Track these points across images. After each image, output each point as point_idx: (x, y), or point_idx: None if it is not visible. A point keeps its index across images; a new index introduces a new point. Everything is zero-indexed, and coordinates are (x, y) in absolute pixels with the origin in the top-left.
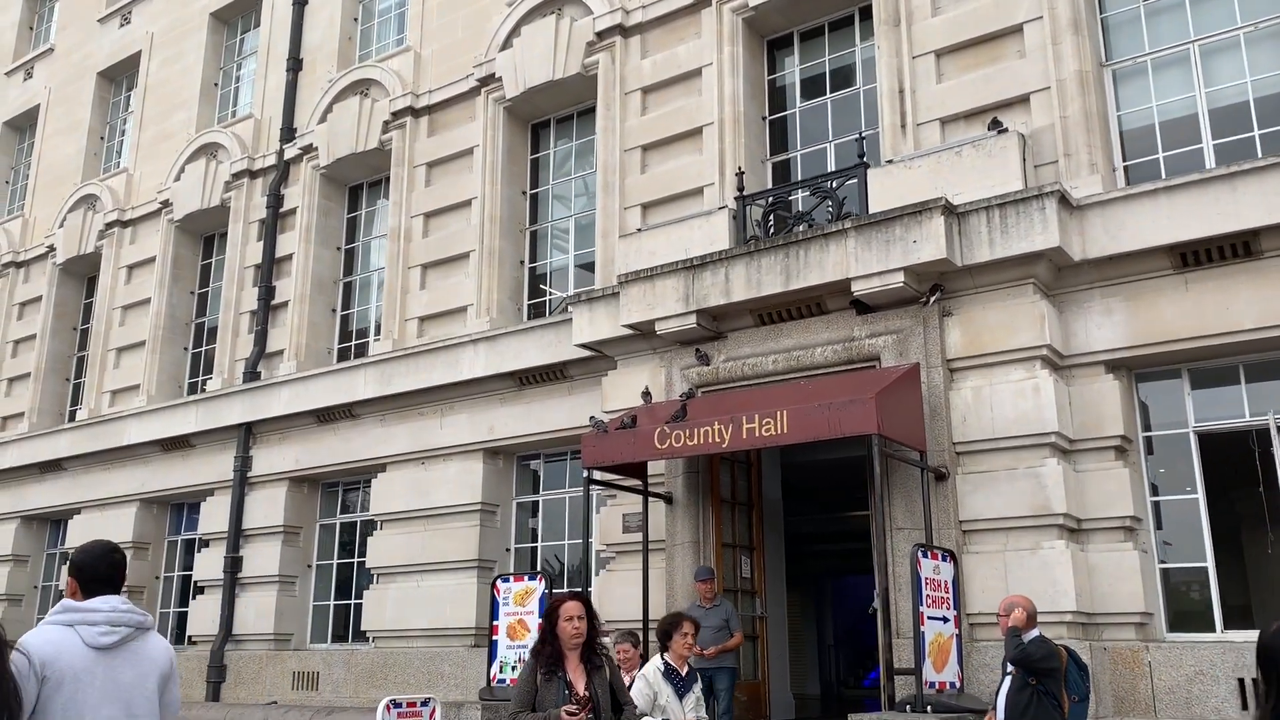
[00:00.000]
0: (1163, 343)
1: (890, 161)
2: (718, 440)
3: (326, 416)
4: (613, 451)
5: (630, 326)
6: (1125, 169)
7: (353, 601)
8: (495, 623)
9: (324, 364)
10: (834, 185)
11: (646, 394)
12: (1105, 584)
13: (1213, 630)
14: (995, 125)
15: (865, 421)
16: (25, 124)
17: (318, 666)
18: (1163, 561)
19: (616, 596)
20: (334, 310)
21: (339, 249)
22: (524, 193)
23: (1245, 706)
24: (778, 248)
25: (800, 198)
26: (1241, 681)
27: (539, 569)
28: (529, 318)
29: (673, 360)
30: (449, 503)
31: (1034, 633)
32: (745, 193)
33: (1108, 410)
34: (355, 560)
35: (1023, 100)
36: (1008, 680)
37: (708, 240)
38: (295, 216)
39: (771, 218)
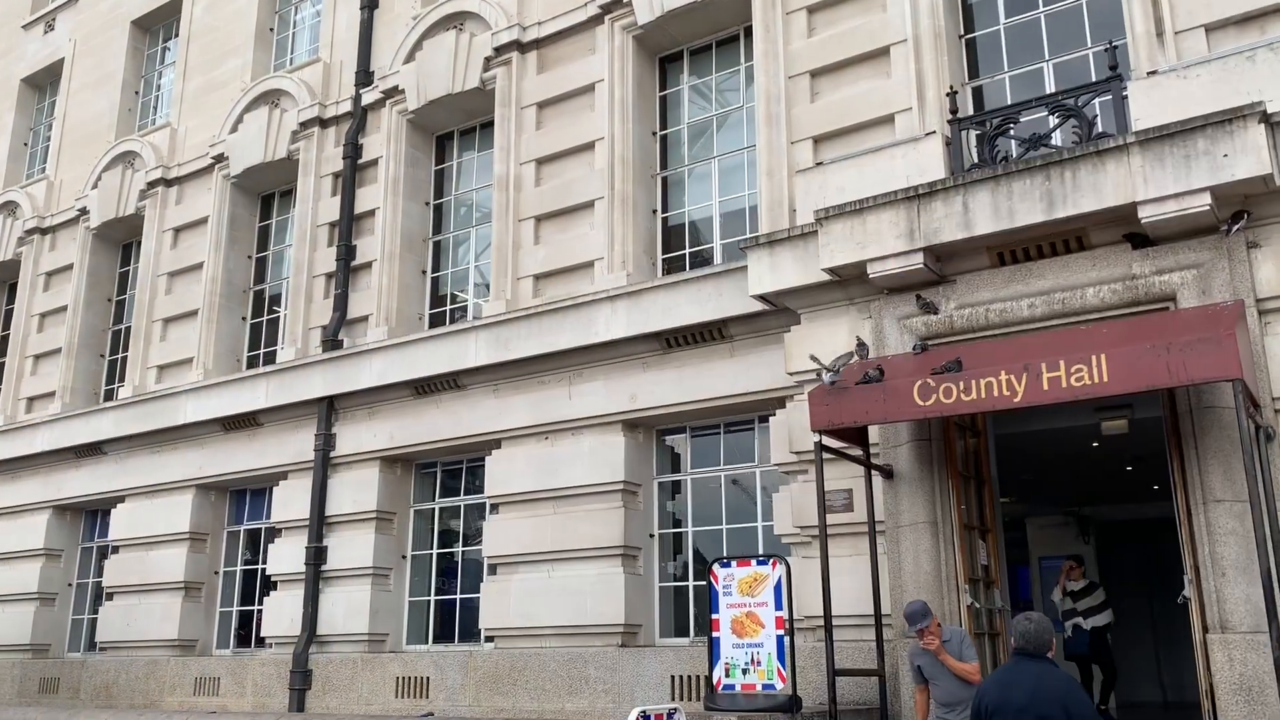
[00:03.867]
0: None
1: (1155, 72)
2: (1007, 393)
3: (426, 388)
4: (853, 410)
5: (831, 271)
6: None
7: (458, 596)
8: (715, 616)
9: (416, 329)
10: (1079, 102)
11: (862, 346)
12: None
13: None
14: None
15: (1222, 364)
16: (46, 80)
17: (427, 671)
18: None
19: (819, 589)
20: (424, 272)
21: (427, 204)
22: (654, 134)
23: None
24: (1034, 169)
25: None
26: None
27: (767, 554)
28: (664, 273)
29: (882, 310)
30: (584, 482)
31: None
32: (961, 115)
33: None
34: (460, 549)
35: None
36: None
37: (916, 171)
38: (378, 168)
39: (999, 144)
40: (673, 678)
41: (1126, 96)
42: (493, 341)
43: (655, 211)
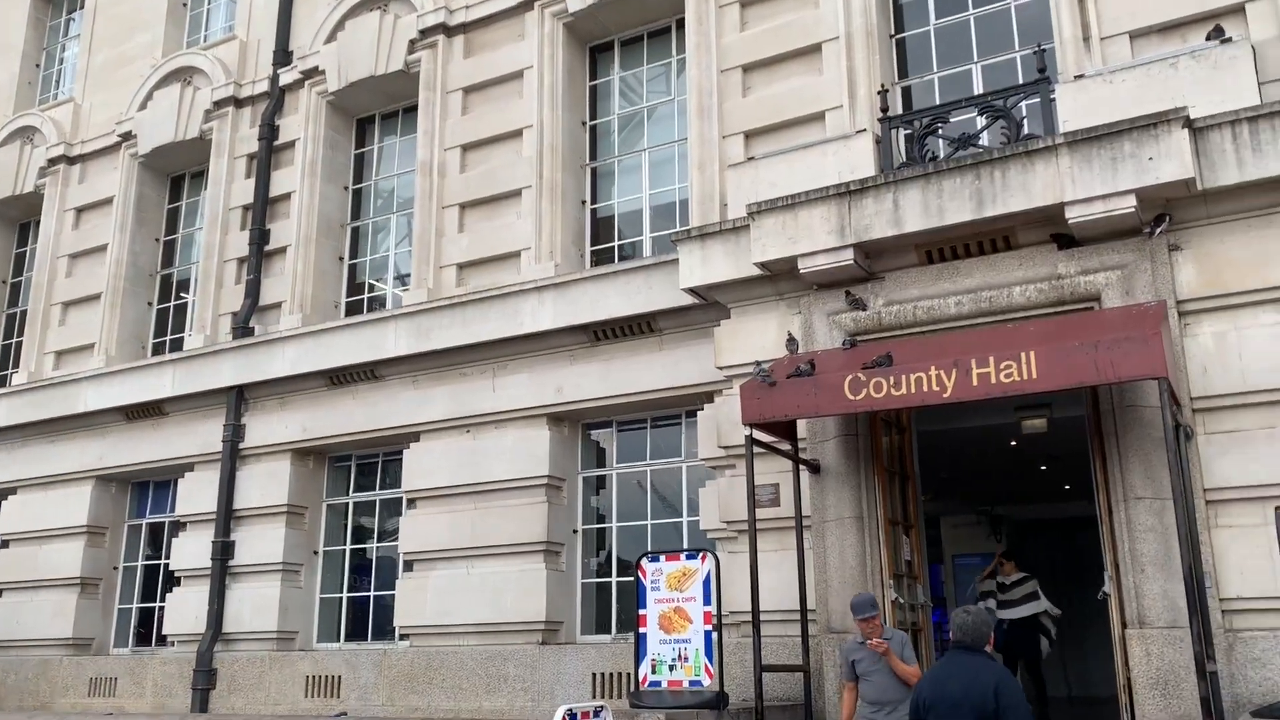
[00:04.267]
0: None
1: (1082, 76)
2: (936, 389)
3: (341, 378)
4: (784, 404)
5: (762, 265)
6: None
7: (372, 593)
8: (642, 611)
9: (332, 317)
10: (1008, 104)
11: (792, 342)
12: None
13: None
14: (1217, 34)
15: (1148, 363)
16: None
17: (339, 669)
18: None
19: (744, 584)
20: (341, 258)
21: (346, 188)
22: (584, 123)
23: None
24: (965, 168)
25: (958, 123)
26: None
27: (697, 548)
28: (592, 265)
29: (812, 306)
30: (507, 476)
31: None
32: (891, 113)
33: None
34: (374, 545)
35: (1236, 10)
36: None
37: (847, 168)
38: (295, 150)
39: (928, 143)
40: (594, 675)
41: (1054, 99)
42: (413, 331)
43: (584, 202)
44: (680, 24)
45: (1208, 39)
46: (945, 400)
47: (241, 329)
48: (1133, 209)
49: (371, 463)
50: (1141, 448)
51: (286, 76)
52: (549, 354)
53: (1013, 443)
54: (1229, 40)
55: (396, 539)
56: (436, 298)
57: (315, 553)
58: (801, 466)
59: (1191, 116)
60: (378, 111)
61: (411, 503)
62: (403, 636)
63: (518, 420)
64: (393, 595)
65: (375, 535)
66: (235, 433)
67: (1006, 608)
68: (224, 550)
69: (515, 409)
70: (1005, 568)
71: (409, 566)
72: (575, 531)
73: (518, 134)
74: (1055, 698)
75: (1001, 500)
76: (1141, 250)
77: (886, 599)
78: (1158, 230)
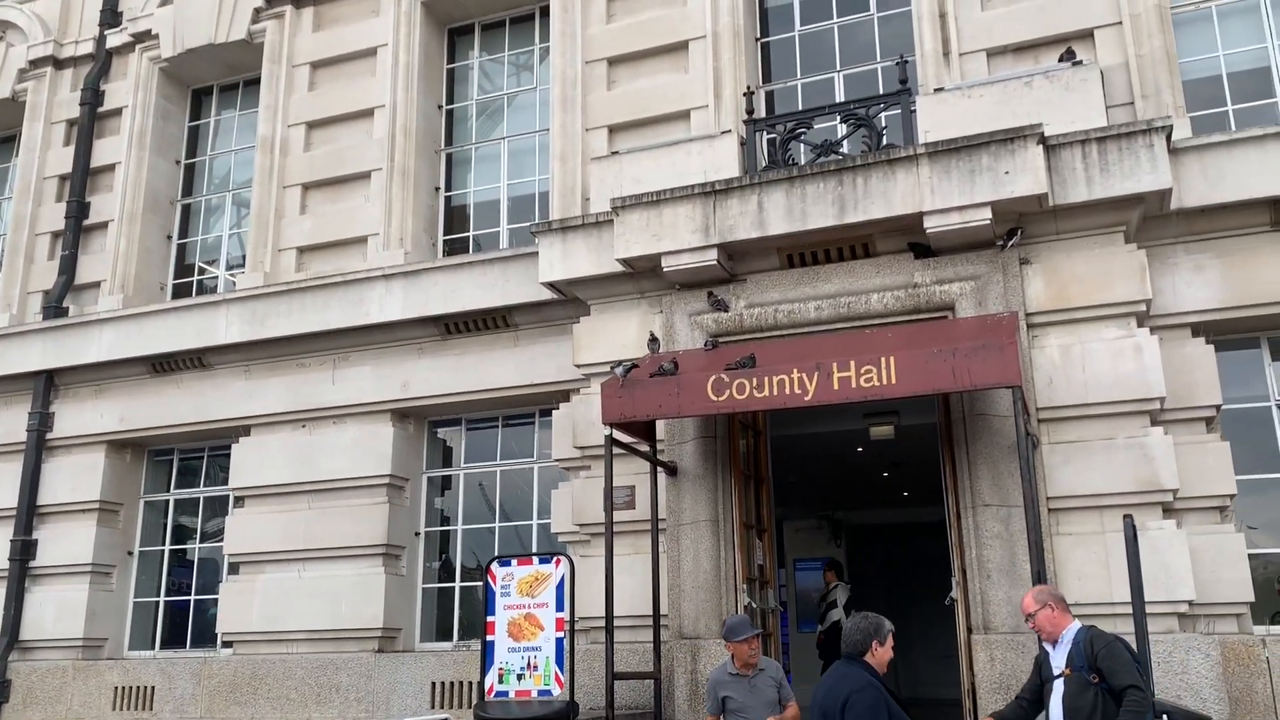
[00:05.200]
0: (1262, 304)
1: (941, 89)
2: (798, 391)
3: (166, 365)
4: (646, 404)
5: (625, 262)
6: (1190, 120)
7: (192, 598)
8: (491, 618)
9: (157, 300)
10: (870, 113)
11: (654, 341)
12: (1206, 570)
13: None
14: (1069, 56)
15: (1003, 371)
16: None
17: (152, 679)
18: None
19: (602, 587)
20: (169, 237)
21: (178, 162)
22: (440, 107)
23: None
24: (829, 174)
25: (820, 129)
26: None
27: (551, 551)
28: (444, 254)
29: (674, 306)
30: (346, 474)
31: (1075, 625)
32: (756, 116)
33: (1201, 377)
34: (196, 546)
35: (1085, 36)
36: (1060, 683)
37: (711, 168)
38: (121, 119)
39: (791, 147)
40: (434, 684)
41: (915, 110)
42: (247, 317)
43: (438, 189)
44: (545, 12)
45: (1060, 61)
46: (807, 403)
47: (54, 309)
48: (988, 221)
49: (196, 457)
50: (990, 456)
51: (115, 39)
52: (396, 346)
53: (859, 449)
54: (1080, 63)
55: (221, 539)
56: (274, 282)
57: (130, 553)
58: (659, 468)
59: (1046, 134)
60: (216, 82)
61: (240, 501)
62: (226, 644)
63: (359, 415)
64: (216, 600)
65: (198, 535)
66: (42, 421)
67: (825, 616)
68: (24, 550)
69: (357, 403)
70: (827, 577)
71: (235, 569)
72: (418, 534)
73: (369, 114)
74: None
75: (842, 506)
76: (994, 263)
77: (739, 604)
78: (1010, 243)
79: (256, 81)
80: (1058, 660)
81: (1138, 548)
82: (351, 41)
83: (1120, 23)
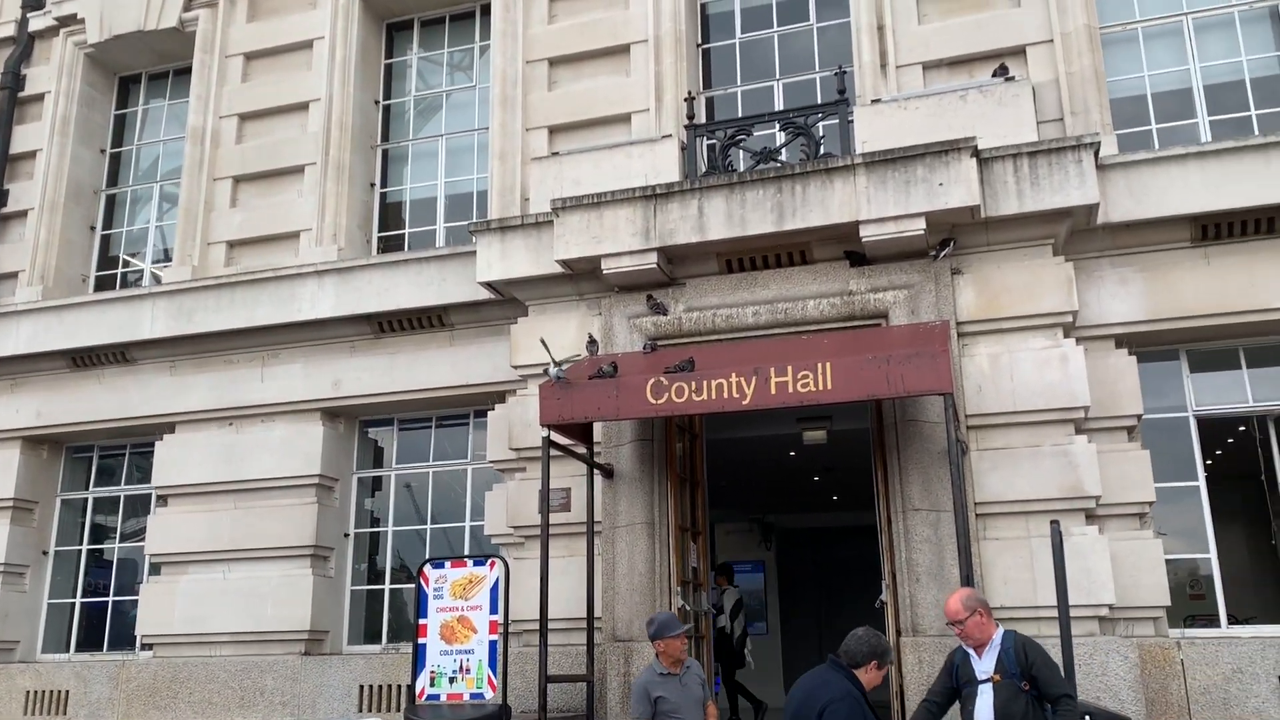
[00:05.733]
0: (1182, 318)
1: (879, 101)
2: (736, 395)
3: (87, 359)
4: (585, 406)
5: (564, 263)
6: (1116, 137)
7: (110, 599)
8: (423, 621)
9: (79, 292)
10: (809, 122)
11: (593, 343)
12: (1126, 575)
13: (1218, 626)
14: (1002, 72)
15: (935, 379)
16: None
17: (67, 683)
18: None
19: (536, 590)
20: (92, 228)
21: (103, 151)
22: (377, 102)
23: None
24: (768, 180)
25: (759, 136)
26: None
27: (485, 554)
28: (379, 251)
29: (613, 308)
30: (274, 474)
31: (1000, 630)
32: (696, 121)
33: (1124, 387)
34: (116, 546)
35: (1018, 52)
36: (987, 688)
37: (652, 172)
38: (44, 104)
39: (731, 154)
40: (361, 687)
41: (852, 121)
42: (174, 312)
43: (373, 185)
44: (485, 10)
45: (993, 76)
46: (745, 407)
47: None
48: (922, 231)
49: (117, 455)
50: (920, 461)
51: (38, 21)
52: (327, 344)
53: (792, 453)
54: (1013, 79)
55: (142, 539)
56: (202, 276)
57: (45, 553)
58: (596, 471)
59: (979, 147)
60: (145, 70)
61: (163, 500)
62: (145, 646)
63: (288, 414)
64: (135, 601)
65: (117, 535)
66: None
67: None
68: None
69: (286, 401)
70: (719, 581)
71: (156, 570)
72: (347, 535)
73: (304, 107)
74: None
75: (774, 510)
76: (927, 272)
77: (673, 606)
78: (942, 254)
79: (187, 71)
80: (984, 665)
81: (1063, 553)
82: (287, 33)
83: (1052, 41)
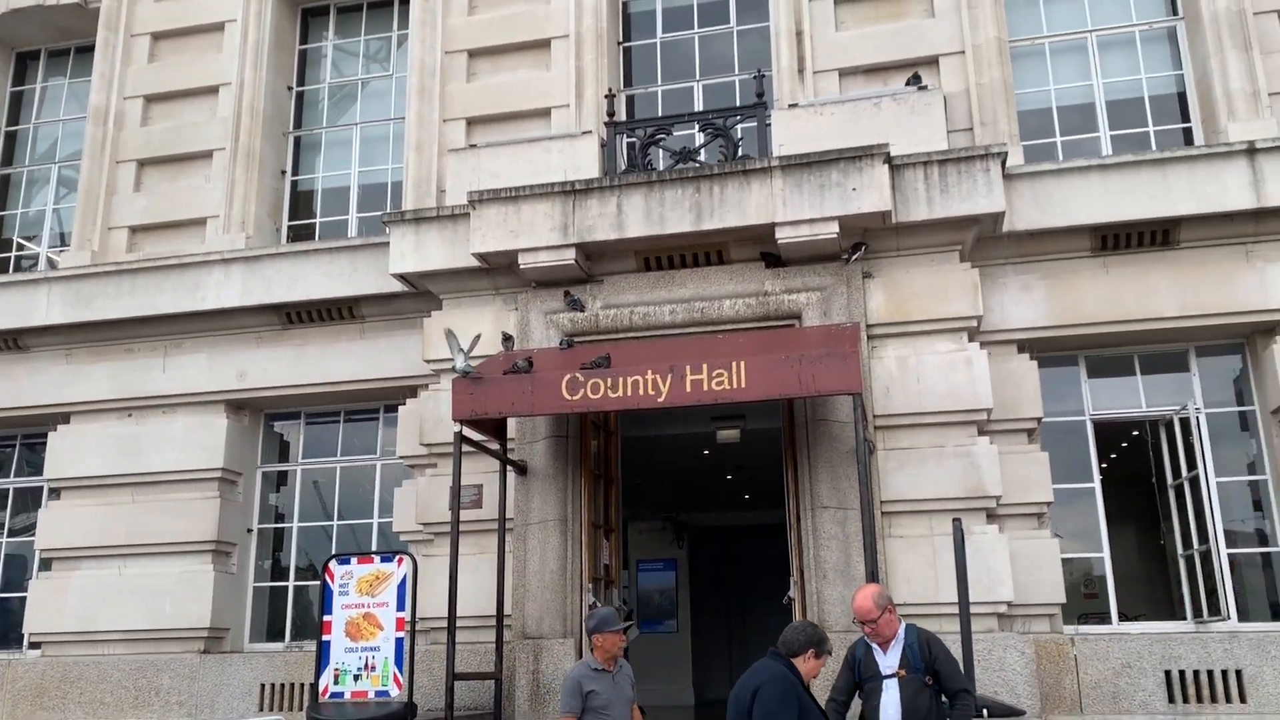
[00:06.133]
0: (1082, 325)
1: (796, 105)
2: (652, 393)
3: None
4: (499, 401)
5: (481, 257)
6: (1023, 148)
7: None
8: (328, 618)
9: None
10: (727, 123)
11: (508, 339)
12: (1024, 573)
13: (1109, 621)
14: (915, 80)
15: (846, 379)
16: None
17: None
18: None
19: (444, 588)
20: None
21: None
22: (290, 89)
23: (1173, 700)
24: (687, 180)
25: (676, 138)
26: (1169, 674)
27: (394, 550)
28: (289, 241)
29: (529, 304)
30: (175, 467)
31: (903, 625)
32: (617, 119)
33: (1026, 390)
34: (3, 540)
35: (931, 62)
36: (893, 683)
37: (571, 168)
38: None
39: (651, 152)
40: (263, 686)
41: (770, 124)
42: (71, 298)
43: (285, 173)
44: None
45: (907, 84)
46: (660, 404)
47: None
48: (835, 235)
49: (7, 446)
50: (830, 460)
51: None
52: (233, 334)
53: (705, 452)
54: (925, 88)
55: (32, 534)
56: (103, 262)
57: None
58: (509, 467)
59: (892, 154)
60: (44, 46)
61: (55, 493)
62: (34, 645)
63: (191, 405)
64: (23, 598)
65: (4, 529)
66: None
67: None
68: None
69: (189, 393)
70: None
71: (47, 565)
72: (250, 531)
73: (213, 91)
74: (720, 700)
75: (686, 508)
76: (839, 275)
77: (584, 604)
78: (854, 257)
79: (90, 49)
80: (890, 661)
81: (965, 551)
82: (197, 14)
83: (963, 52)
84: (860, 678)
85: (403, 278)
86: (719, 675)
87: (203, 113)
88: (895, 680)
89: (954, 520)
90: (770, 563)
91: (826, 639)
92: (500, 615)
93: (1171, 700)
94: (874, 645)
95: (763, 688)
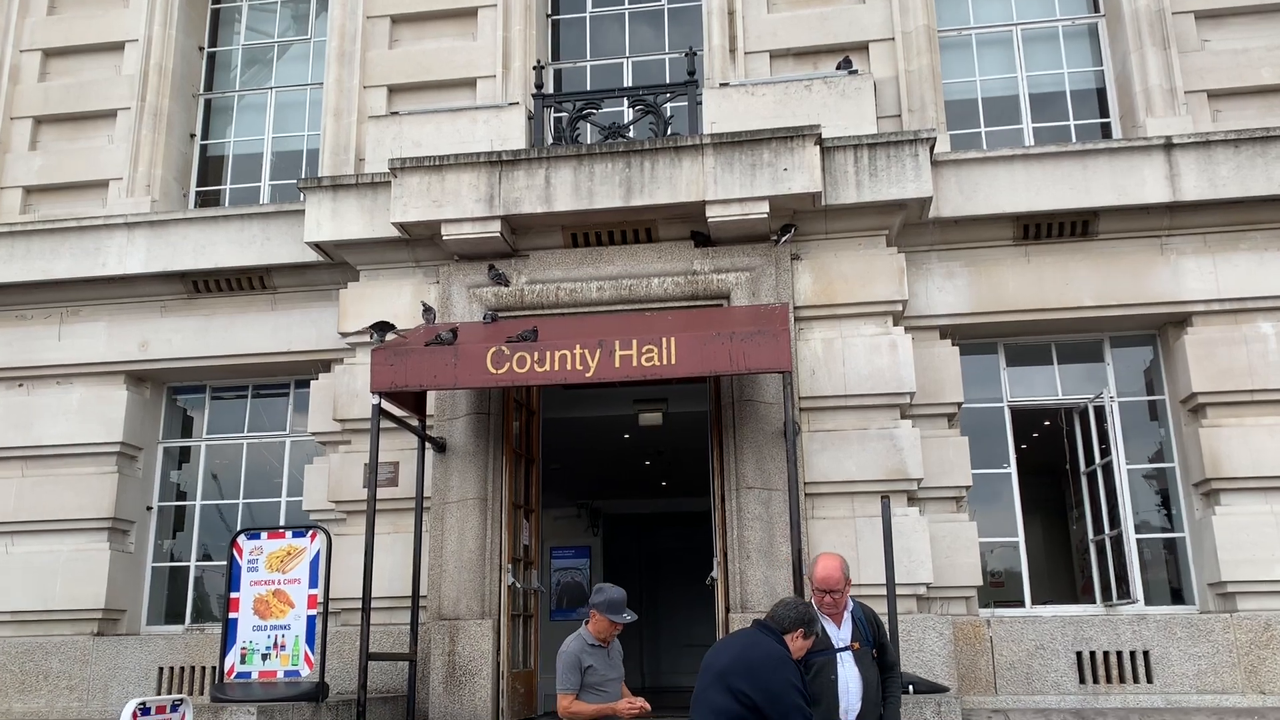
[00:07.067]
0: (1004, 312)
1: (727, 85)
2: (580, 368)
3: None
4: (420, 373)
5: (402, 227)
6: (950, 136)
7: None
8: (235, 595)
9: None
10: (658, 100)
11: (429, 311)
12: (943, 555)
13: (1022, 605)
14: (846, 65)
15: (776, 357)
16: None
17: None
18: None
19: (357, 567)
20: None
21: None
22: (201, 49)
23: (1083, 680)
24: (617, 155)
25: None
26: (1079, 655)
27: (308, 524)
28: (198, 206)
29: (451, 277)
30: (70, 440)
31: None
32: (545, 91)
33: (948, 376)
34: None
35: (861, 48)
36: (848, 656)
37: (497, 139)
38: None
39: (579, 127)
40: (161, 669)
41: (701, 103)
42: None
43: (194, 136)
44: None
45: (837, 68)
46: (588, 379)
47: None
48: (765, 215)
49: None
50: (755, 441)
51: None
52: (136, 302)
53: (626, 436)
54: (855, 72)
55: None
56: None
57: None
58: (427, 444)
59: (823, 135)
60: None
61: None
62: None
63: (88, 376)
64: None
65: None
66: None
67: None
68: None
69: (86, 363)
70: None
71: None
72: (150, 508)
73: (118, 47)
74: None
75: (602, 495)
76: (768, 256)
77: (503, 584)
78: (784, 239)
79: None
80: (843, 634)
81: (891, 529)
82: None
83: (893, 39)
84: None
85: (318, 247)
86: (631, 662)
87: (107, 70)
88: (850, 653)
89: (882, 498)
90: (686, 551)
91: (816, 619)
92: (416, 595)
93: (1082, 680)
94: (826, 617)
95: (770, 665)
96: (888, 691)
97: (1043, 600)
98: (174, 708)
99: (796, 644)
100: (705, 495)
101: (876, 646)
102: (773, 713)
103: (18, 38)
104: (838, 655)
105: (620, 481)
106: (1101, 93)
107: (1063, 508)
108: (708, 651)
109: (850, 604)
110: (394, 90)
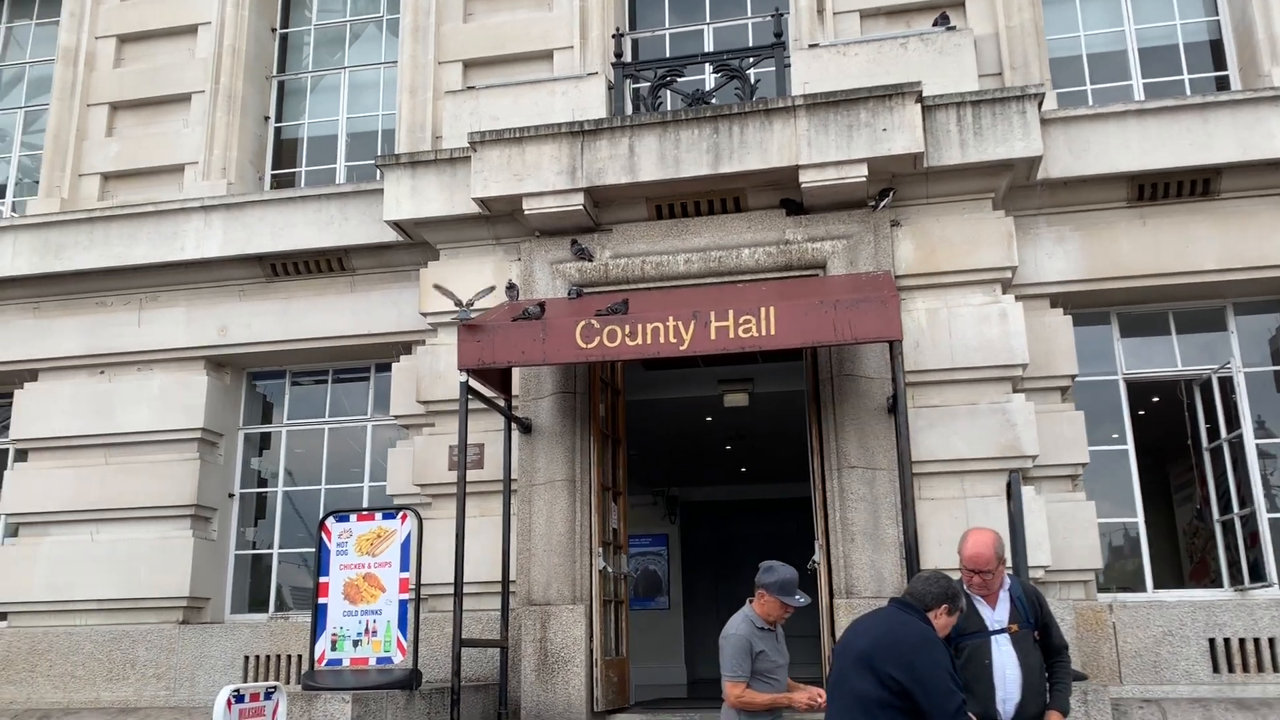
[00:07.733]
0: (1119, 278)
1: (816, 45)
2: (673, 340)
3: None
4: (508, 349)
5: (482, 202)
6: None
7: None
8: (324, 579)
9: None
10: (743, 65)
11: (513, 288)
12: (1059, 537)
13: (1144, 590)
14: (943, 21)
15: (885, 325)
16: None
17: None
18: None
19: (443, 551)
20: None
21: None
22: (274, 30)
23: (1217, 669)
24: (704, 120)
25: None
26: (1212, 642)
27: (397, 506)
28: (273, 189)
29: (533, 253)
30: (151, 427)
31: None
32: (624, 60)
33: (1060, 346)
34: None
35: (958, 4)
36: (1004, 640)
37: (577, 110)
38: None
39: (661, 95)
40: (247, 658)
41: (789, 66)
42: (39, 247)
43: (268, 118)
44: None
45: (934, 25)
46: (682, 353)
47: None
48: (863, 179)
49: None
50: (857, 418)
51: None
52: (214, 287)
53: (708, 418)
54: (954, 28)
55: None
56: (73, 209)
57: None
58: (513, 425)
59: (923, 93)
60: None
61: (23, 454)
62: (1, 616)
63: (168, 362)
64: None
65: None
66: None
67: None
68: None
69: (166, 349)
70: None
71: (14, 531)
72: (232, 495)
73: (192, 31)
74: (709, 679)
75: (678, 482)
76: (866, 223)
77: (594, 568)
78: (882, 204)
79: None
80: (999, 615)
81: (1023, 508)
82: None
83: None
84: (954, 633)
85: (398, 226)
86: (711, 654)
87: (180, 54)
88: (1007, 636)
89: (1011, 473)
90: (763, 539)
91: (960, 594)
92: (506, 580)
93: (1216, 669)
94: (978, 598)
95: (922, 649)
96: (1055, 678)
97: (1163, 585)
98: (267, 695)
99: (940, 621)
100: (785, 482)
101: (1040, 628)
102: (922, 697)
103: (93, 25)
104: (992, 639)
105: (698, 467)
106: (1216, 44)
107: (1166, 488)
108: (843, 632)
109: (1008, 581)
110: (469, 65)
